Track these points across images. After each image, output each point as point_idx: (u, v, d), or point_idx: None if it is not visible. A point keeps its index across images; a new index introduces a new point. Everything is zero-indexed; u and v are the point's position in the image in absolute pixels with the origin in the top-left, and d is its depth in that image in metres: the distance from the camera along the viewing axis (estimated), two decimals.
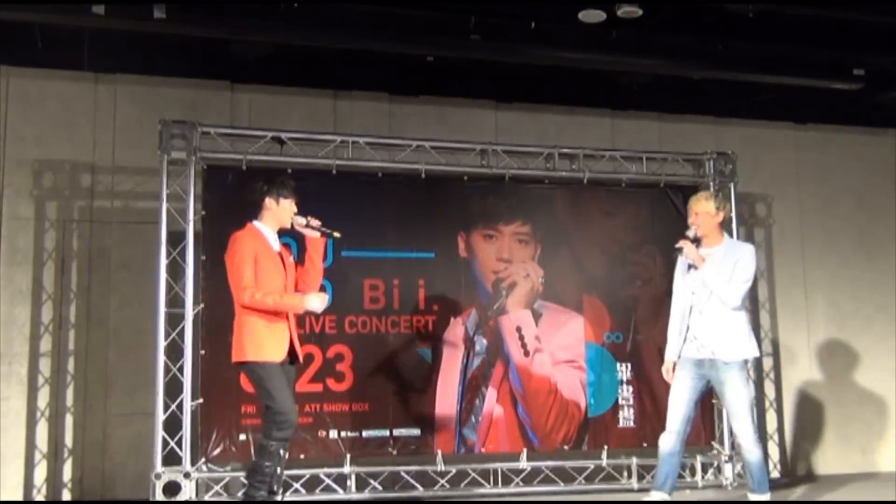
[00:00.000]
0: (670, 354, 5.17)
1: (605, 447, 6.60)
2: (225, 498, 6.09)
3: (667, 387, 5.25)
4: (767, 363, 7.69)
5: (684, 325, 5.10)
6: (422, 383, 6.38)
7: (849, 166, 8.14)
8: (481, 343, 6.53)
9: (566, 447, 6.58)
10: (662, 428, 5.20)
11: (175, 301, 6.04)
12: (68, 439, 6.37)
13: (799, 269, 7.90)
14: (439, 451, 6.31)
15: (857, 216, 8.08)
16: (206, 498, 6.03)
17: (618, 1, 6.00)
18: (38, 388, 6.37)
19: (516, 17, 6.31)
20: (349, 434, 6.21)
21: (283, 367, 4.75)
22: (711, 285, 4.95)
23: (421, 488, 6.32)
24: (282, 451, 4.72)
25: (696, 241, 5.06)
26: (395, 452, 6.27)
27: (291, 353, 4.81)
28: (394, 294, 6.43)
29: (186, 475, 5.85)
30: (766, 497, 5.07)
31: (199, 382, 5.96)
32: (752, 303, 7.56)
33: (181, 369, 5.92)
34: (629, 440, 6.66)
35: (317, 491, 6.16)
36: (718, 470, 6.78)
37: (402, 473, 6.34)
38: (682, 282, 5.16)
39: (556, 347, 6.65)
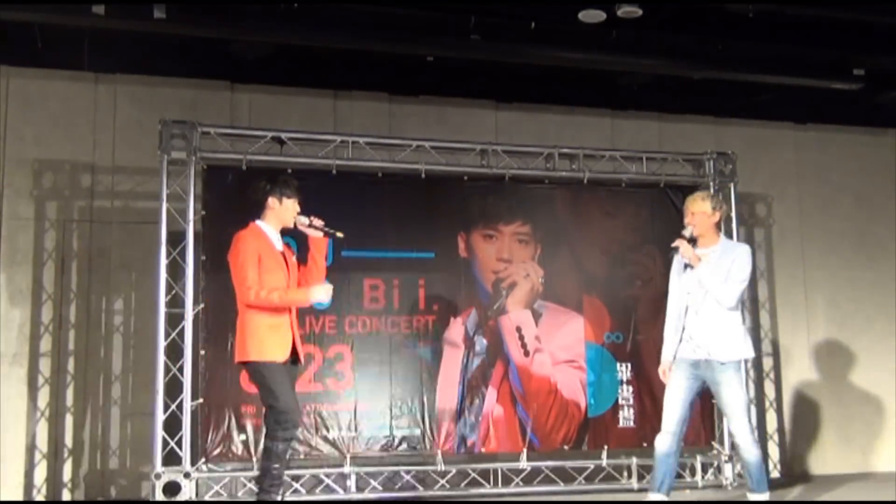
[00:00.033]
0: (666, 355, 5.17)
1: (605, 447, 6.60)
2: (225, 498, 6.10)
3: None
4: (767, 363, 7.69)
5: (680, 325, 5.10)
6: (422, 383, 6.38)
7: (849, 166, 8.14)
8: (481, 343, 6.53)
9: (566, 447, 6.58)
10: None
11: (175, 301, 6.04)
12: (68, 439, 6.38)
13: (799, 269, 7.91)
14: (439, 451, 6.32)
15: (857, 216, 8.08)
16: (206, 498, 6.03)
17: (618, 1, 6.00)
18: (38, 388, 6.37)
19: (516, 17, 6.31)
20: (349, 434, 6.22)
21: (286, 367, 4.75)
22: (707, 285, 4.95)
23: (421, 488, 6.33)
24: (287, 452, 4.72)
25: (693, 241, 5.05)
26: (395, 452, 6.27)
27: (293, 353, 4.81)
28: (394, 294, 6.43)
29: (186, 475, 5.85)
30: (766, 497, 5.07)
31: (199, 382, 5.96)
32: (752, 303, 7.59)
33: (181, 369, 5.92)
34: (629, 440, 6.66)
35: (317, 491, 6.17)
36: (718, 470, 6.78)
37: (402, 473, 6.34)
38: (678, 281, 5.16)
39: (556, 347, 6.65)
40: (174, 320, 5.98)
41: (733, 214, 6.97)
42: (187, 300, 6.00)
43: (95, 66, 6.70)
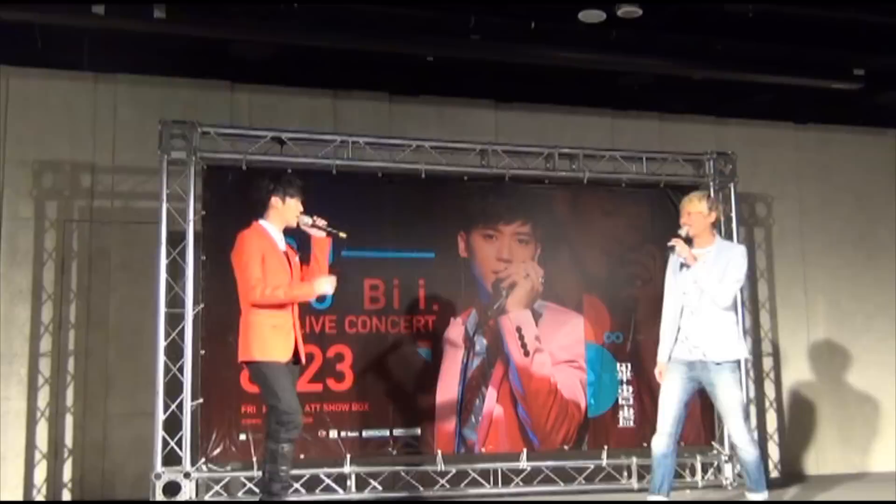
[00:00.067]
0: (662, 356, 5.18)
1: (605, 447, 6.60)
2: (225, 498, 6.09)
3: None
4: (767, 363, 7.70)
5: (676, 326, 5.11)
6: (422, 383, 6.38)
7: (849, 166, 8.14)
8: (481, 343, 6.53)
9: (566, 447, 6.59)
10: None
11: (175, 301, 6.04)
12: (68, 439, 6.38)
13: (799, 269, 7.91)
14: (439, 451, 6.31)
15: (857, 216, 8.09)
16: (206, 498, 6.03)
17: (618, 1, 6.00)
18: (38, 388, 6.37)
19: (516, 17, 6.30)
20: (349, 434, 6.21)
21: (288, 368, 4.75)
22: (703, 284, 4.95)
23: (421, 488, 6.33)
24: (292, 453, 4.72)
25: (689, 241, 5.06)
26: (395, 452, 6.27)
27: (295, 354, 4.80)
28: (394, 294, 6.43)
29: (186, 475, 5.85)
30: (765, 495, 5.08)
31: (199, 382, 5.96)
32: (752, 303, 7.60)
33: (181, 369, 5.92)
34: (629, 440, 6.66)
35: (317, 491, 6.16)
36: (718, 470, 6.78)
37: (402, 473, 6.35)
38: (674, 281, 5.17)
39: (556, 347, 6.65)
40: (174, 320, 5.98)
41: (733, 214, 6.98)
42: (187, 300, 6.00)
43: (95, 66, 6.70)
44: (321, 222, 4.90)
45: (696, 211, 5.08)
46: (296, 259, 4.91)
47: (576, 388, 6.64)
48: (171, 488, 5.81)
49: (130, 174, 6.69)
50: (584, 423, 6.62)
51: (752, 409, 7.39)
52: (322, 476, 6.15)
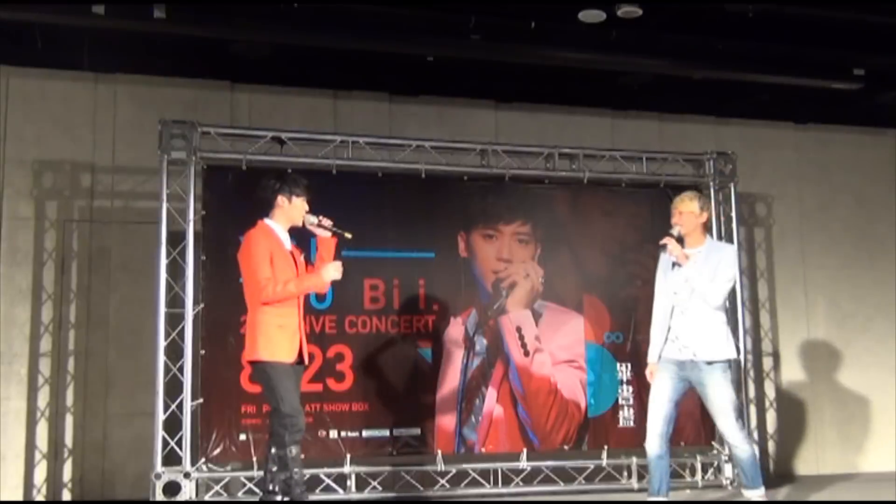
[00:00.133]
0: (652, 356, 5.19)
1: (605, 447, 6.60)
2: (225, 498, 6.10)
3: None
4: (767, 363, 7.70)
5: (666, 325, 5.12)
6: (422, 383, 6.38)
7: (849, 166, 8.15)
8: (481, 343, 6.53)
9: (566, 447, 6.59)
10: None
11: (175, 301, 6.04)
12: (68, 439, 6.38)
13: (799, 269, 7.91)
14: (439, 451, 6.31)
15: (857, 216, 8.09)
16: (206, 498, 6.03)
17: (618, 1, 6.01)
18: (38, 388, 6.38)
19: (516, 17, 6.31)
20: (349, 434, 6.21)
21: (293, 368, 4.74)
22: (694, 283, 4.96)
23: (421, 488, 6.33)
24: (300, 454, 4.71)
25: (680, 241, 5.08)
26: (395, 452, 6.27)
27: (299, 354, 4.79)
28: (394, 294, 6.43)
29: (186, 475, 5.85)
30: (761, 492, 5.08)
31: (199, 382, 5.96)
32: (752, 303, 7.61)
33: (181, 369, 5.92)
34: (629, 440, 6.65)
35: (317, 491, 6.16)
36: (718, 470, 6.78)
37: (402, 473, 6.35)
38: (665, 281, 5.17)
39: (556, 347, 6.65)
40: (174, 320, 5.98)
41: (733, 214, 6.98)
42: (187, 300, 6.00)
43: (95, 66, 6.71)
44: (327, 222, 4.90)
45: (687, 210, 5.09)
46: (301, 259, 4.91)
47: (576, 388, 6.64)
48: (171, 488, 5.82)
49: (130, 174, 6.69)
50: (584, 423, 6.62)
51: (752, 409, 7.40)
52: (322, 476, 6.15)
